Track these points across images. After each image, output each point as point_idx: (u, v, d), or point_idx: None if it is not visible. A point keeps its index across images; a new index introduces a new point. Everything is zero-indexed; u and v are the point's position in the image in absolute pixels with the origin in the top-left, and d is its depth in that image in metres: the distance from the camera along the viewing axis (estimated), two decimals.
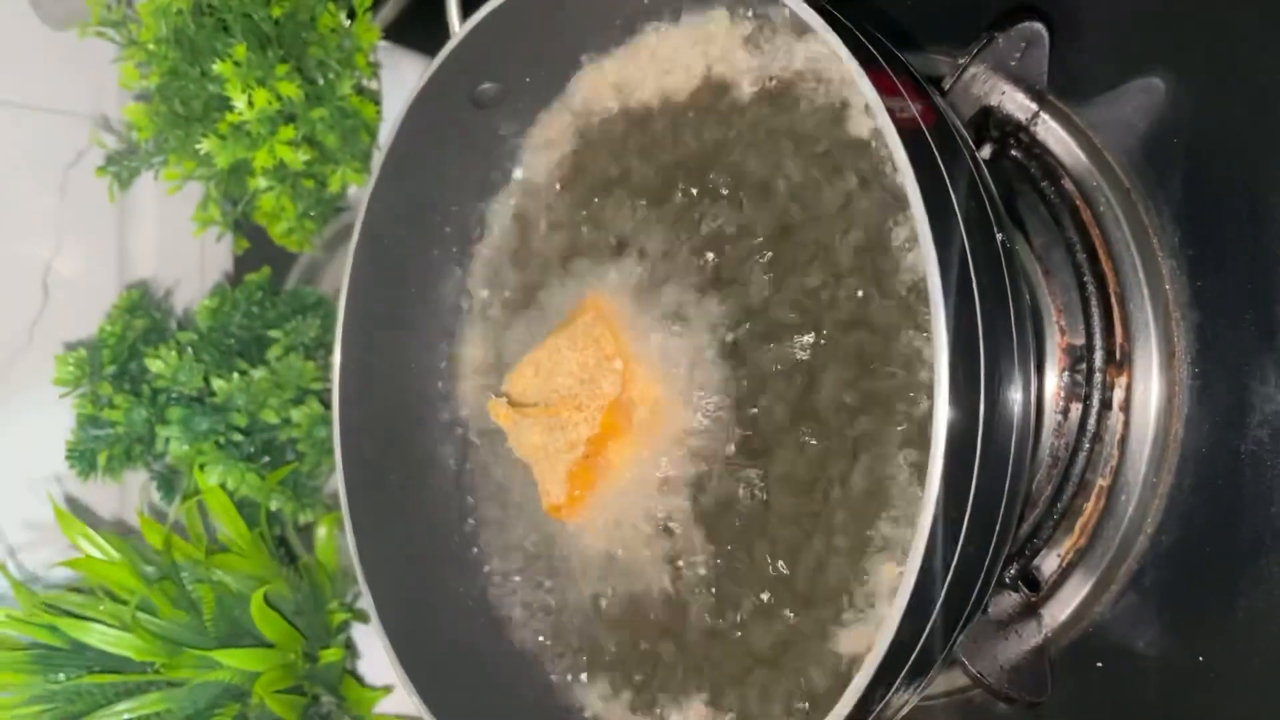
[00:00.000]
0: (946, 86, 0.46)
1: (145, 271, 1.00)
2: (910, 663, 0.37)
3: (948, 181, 0.37)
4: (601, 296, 0.52)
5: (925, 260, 0.34)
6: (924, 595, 0.35)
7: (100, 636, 0.67)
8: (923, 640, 0.37)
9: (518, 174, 0.59)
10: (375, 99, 0.74)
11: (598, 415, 0.50)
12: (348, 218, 0.84)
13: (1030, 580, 0.52)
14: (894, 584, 0.42)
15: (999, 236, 0.38)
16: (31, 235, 0.96)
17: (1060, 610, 0.51)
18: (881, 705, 0.38)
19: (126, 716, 0.67)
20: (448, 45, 0.54)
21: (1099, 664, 0.50)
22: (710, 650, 0.48)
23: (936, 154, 0.37)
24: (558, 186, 0.58)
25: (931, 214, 0.35)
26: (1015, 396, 0.39)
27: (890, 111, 0.36)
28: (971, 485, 0.36)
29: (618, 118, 0.55)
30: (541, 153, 0.58)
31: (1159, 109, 0.49)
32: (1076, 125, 0.51)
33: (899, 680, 0.38)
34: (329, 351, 0.78)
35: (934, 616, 0.37)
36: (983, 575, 0.39)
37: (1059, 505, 0.51)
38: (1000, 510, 0.38)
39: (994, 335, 0.37)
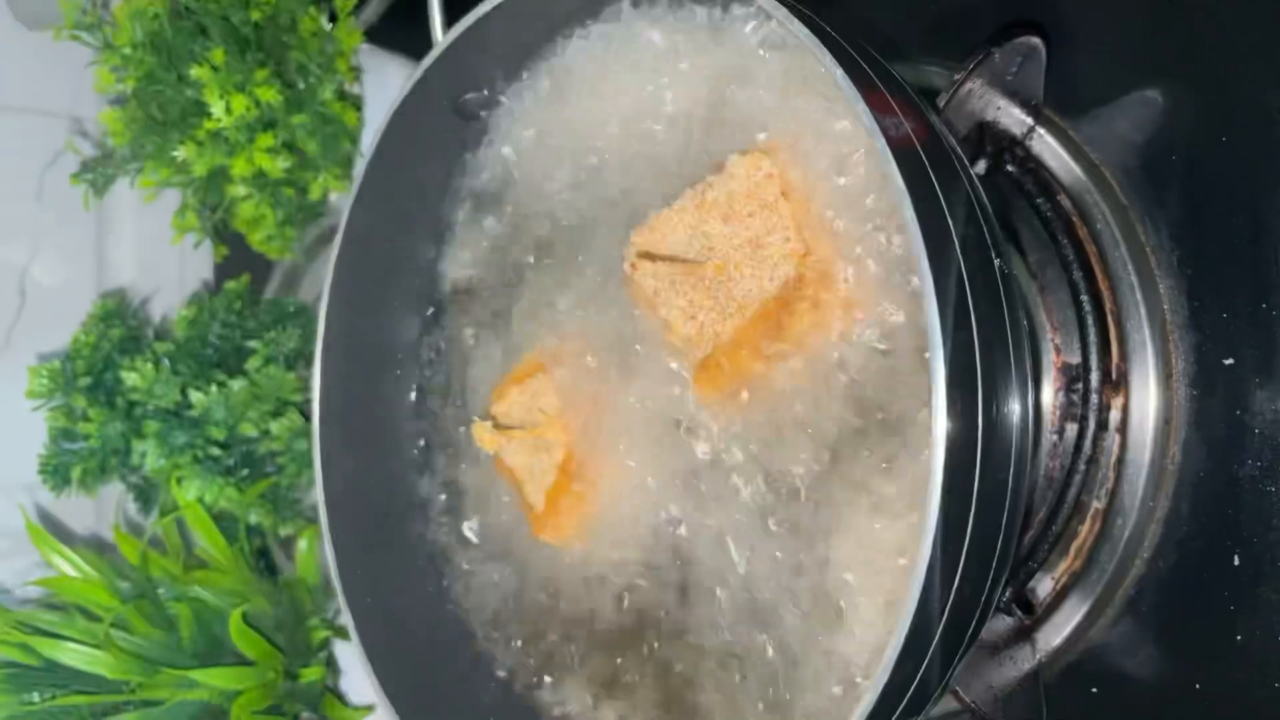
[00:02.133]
0: (941, 102, 0.45)
1: (124, 277, 0.98)
2: (905, 702, 0.36)
3: (945, 206, 0.36)
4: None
5: (923, 288, 0.33)
6: (920, 634, 0.34)
7: (74, 655, 0.66)
8: (918, 678, 0.36)
9: (501, 181, 0.58)
10: (357, 104, 0.73)
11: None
12: (328, 222, 0.82)
13: (1024, 603, 0.52)
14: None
15: (996, 262, 0.37)
16: (7, 239, 0.94)
17: (1054, 635, 0.50)
18: None
19: None
20: (430, 55, 0.52)
21: (1094, 689, 0.49)
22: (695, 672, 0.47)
23: (933, 176, 0.36)
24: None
25: (928, 240, 0.34)
26: (1013, 424, 0.38)
27: (884, 132, 0.35)
28: (970, 517, 0.35)
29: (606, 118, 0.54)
30: (525, 160, 0.56)
31: (1157, 124, 0.48)
32: (1073, 140, 0.50)
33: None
34: (309, 362, 0.76)
35: (930, 653, 0.36)
36: (980, 607, 0.38)
37: (1054, 528, 0.50)
38: (998, 541, 0.37)
39: (992, 365, 0.36)
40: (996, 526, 0.37)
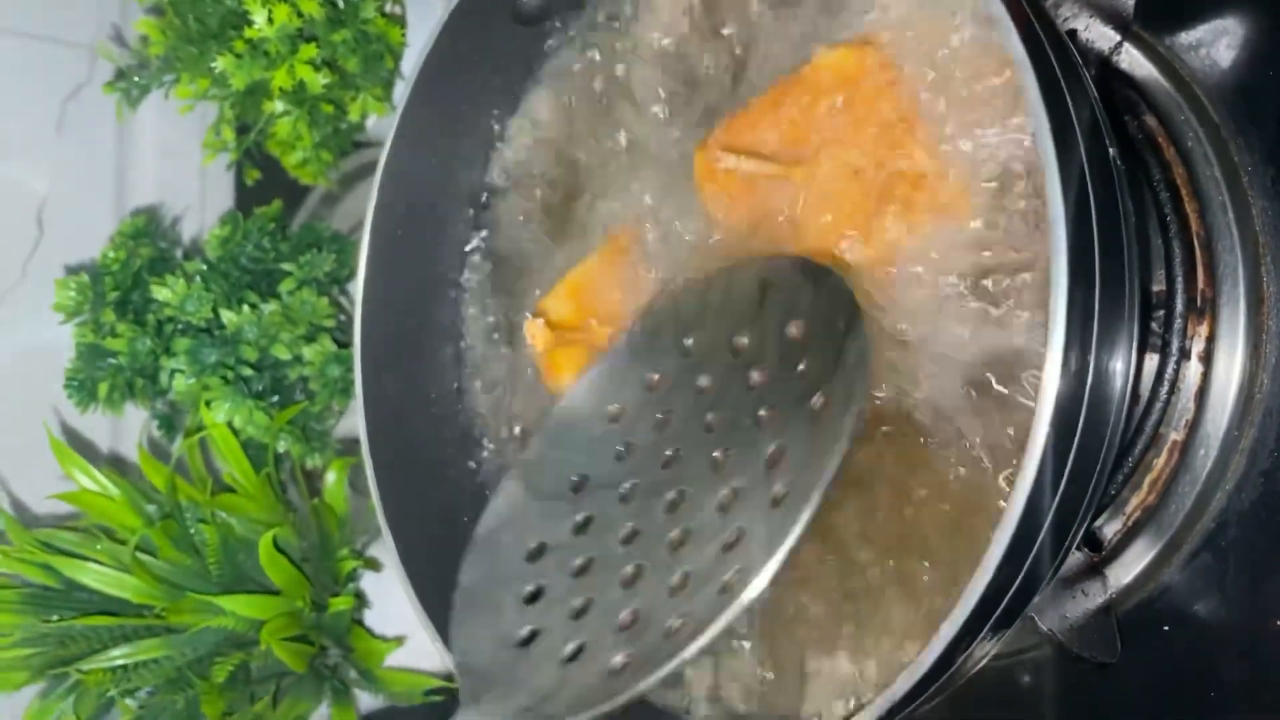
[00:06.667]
0: None
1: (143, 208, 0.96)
2: (1000, 610, 0.35)
3: (1066, 91, 0.34)
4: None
5: (1048, 180, 0.31)
6: (1026, 535, 0.32)
7: (97, 577, 0.64)
8: (1017, 584, 0.34)
9: (560, 84, 0.56)
10: (400, 23, 0.70)
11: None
12: (367, 156, 0.80)
13: (1091, 541, 0.50)
14: None
15: (1111, 152, 0.36)
16: (26, 170, 0.92)
17: (1125, 572, 0.49)
18: (966, 655, 0.35)
19: (121, 662, 0.64)
20: None
21: (1165, 627, 0.48)
22: None
23: (1054, 61, 0.34)
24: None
25: (1054, 125, 0.32)
26: (1122, 332, 0.36)
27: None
28: (1080, 418, 0.33)
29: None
30: (588, 61, 0.54)
31: (1255, 38, 0.46)
32: (1162, 56, 0.48)
33: (986, 629, 0.35)
34: (343, 288, 0.74)
35: (1031, 557, 0.34)
36: (1079, 520, 0.37)
37: (1128, 460, 0.48)
38: (1102, 452, 0.36)
39: (1110, 257, 0.34)
40: (1102, 432, 0.35)
